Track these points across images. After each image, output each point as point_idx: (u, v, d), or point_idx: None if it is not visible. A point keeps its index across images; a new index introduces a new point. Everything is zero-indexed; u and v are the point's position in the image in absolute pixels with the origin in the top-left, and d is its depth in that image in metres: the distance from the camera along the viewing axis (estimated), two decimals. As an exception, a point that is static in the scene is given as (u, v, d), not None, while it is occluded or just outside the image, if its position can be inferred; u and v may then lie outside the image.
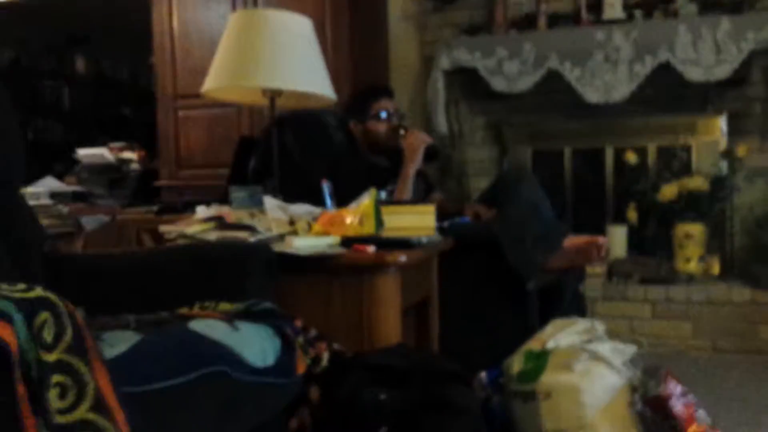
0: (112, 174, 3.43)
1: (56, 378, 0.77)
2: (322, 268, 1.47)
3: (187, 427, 0.95)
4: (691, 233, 2.99)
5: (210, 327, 1.10)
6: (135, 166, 3.52)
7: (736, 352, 2.81)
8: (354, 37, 3.28)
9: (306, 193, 1.85)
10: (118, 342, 0.96)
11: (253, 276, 1.37)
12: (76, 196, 2.54)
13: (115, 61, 5.96)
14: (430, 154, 2.23)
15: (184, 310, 1.22)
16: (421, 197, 2.32)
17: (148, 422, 0.86)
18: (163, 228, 1.56)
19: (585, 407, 1.44)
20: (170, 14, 3.45)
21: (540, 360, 1.52)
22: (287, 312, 1.32)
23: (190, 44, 3.44)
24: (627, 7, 3.16)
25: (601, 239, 2.00)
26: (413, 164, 2.19)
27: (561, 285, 2.10)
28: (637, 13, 3.14)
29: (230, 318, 1.18)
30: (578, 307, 2.20)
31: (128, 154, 3.53)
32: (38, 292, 0.80)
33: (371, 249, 1.48)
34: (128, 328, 1.09)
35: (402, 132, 2.26)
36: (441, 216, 1.86)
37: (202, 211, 1.62)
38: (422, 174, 2.39)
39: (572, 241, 2.01)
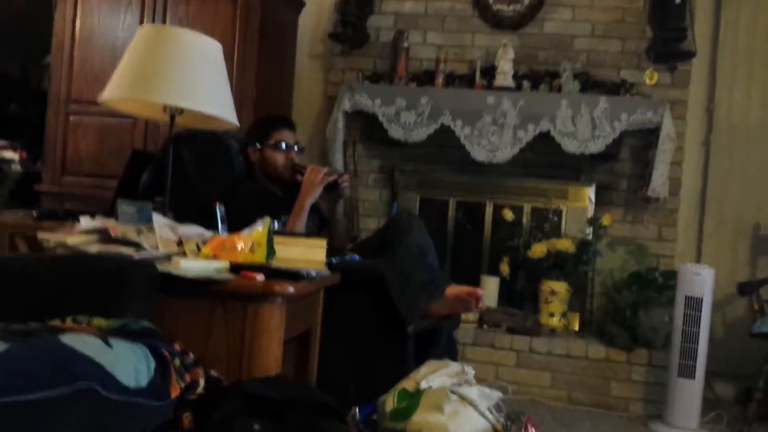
0: (-12, 173, 3.18)
1: None
2: (208, 292, 1.45)
3: (51, 444, 0.90)
4: (556, 290, 3.22)
5: (82, 342, 1.06)
6: (15, 167, 3.29)
7: (589, 404, 3.02)
8: (261, 67, 3.30)
9: (198, 214, 1.82)
10: (-17, 349, 0.90)
11: (133, 293, 1.32)
12: (-52, 193, 2.32)
13: (7, 56, 5.54)
14: (332, 186, 2.26)
15: (56, 322, 1.16)
16: (314, 231, 2.34)
17: (10, 436, 0.82)
18: (42, 235, 1.47)
19: (451, 447, 1.50)
20: (74, 16, 3.33)
21: (413, 399, 1.57)
22: (166, 333, 1.29)
23: (91, 50, 3.33)
24: (517, 77, 3.40)
25: (479, 291, 2.09)
26: (310, 198, 2.20)
27: (438, 330, 2.17)
28: (526, 83, 3.38)
29: (104, 334, 1.14)
30: (451, 351, 2.28)
31: (9, 154, 3.29)
32: None
33: (260, 277, 1.48)
34: (-6, 335, 1.02)
35: (300, 173, 2.29)
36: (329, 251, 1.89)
37: (85, 222, 1.55)
38: (317, 208, 2.42)
39: (453, 290, 2.09)
